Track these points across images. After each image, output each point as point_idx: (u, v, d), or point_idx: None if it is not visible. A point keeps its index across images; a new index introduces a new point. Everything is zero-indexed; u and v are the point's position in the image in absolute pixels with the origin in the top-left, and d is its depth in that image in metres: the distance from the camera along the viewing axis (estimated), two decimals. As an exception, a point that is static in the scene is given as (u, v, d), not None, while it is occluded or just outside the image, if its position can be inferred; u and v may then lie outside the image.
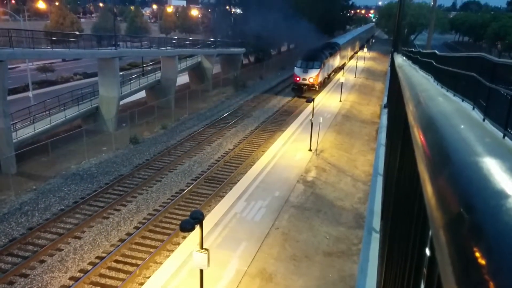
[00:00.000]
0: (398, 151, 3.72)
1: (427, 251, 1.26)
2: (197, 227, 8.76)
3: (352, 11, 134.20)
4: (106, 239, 17.29)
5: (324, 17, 78.13)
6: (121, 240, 17.07)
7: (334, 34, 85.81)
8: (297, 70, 42.79)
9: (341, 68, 53.13)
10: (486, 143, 0.95)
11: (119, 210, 19.62)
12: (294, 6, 70.05)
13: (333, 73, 52.02)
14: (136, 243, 16.95)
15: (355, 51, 74.22)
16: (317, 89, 42.39)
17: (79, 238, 17.30)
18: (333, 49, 50.44)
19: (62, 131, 29.23)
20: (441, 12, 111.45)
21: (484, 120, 7.97)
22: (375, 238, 5.83)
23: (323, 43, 53.52)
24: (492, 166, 0.76)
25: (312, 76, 42.05)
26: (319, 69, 42.42)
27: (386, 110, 14.53)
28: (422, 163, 1.08)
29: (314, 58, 43.29)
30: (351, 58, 68.25)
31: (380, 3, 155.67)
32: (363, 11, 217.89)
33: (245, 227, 15.44)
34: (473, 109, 9.04)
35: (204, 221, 9.07)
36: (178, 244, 15.83)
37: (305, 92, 41.72)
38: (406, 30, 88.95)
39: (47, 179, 23.01)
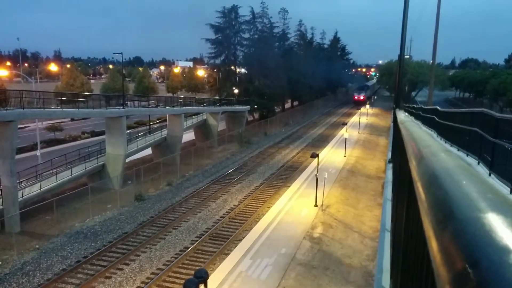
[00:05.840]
0: (404, 206, 3.70)
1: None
2: (201, 287, 8.52)
3: (354, 70, 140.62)
4: (107, 301, 16.76)
5: (327, 75, 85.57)
6: (123, 302, 16.54)
7: (336, 91, 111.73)
8: (355, 94, 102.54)
9: (369, 97, 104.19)
10: (491, 198, 0.95)
11: (122, 269, 19.18)
12: (297, 65, 72.57)
13: (367, 98, 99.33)
14: (138, 305, 16.41)
15: (371, 93, 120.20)
16: (364, 103, 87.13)
17: (80, 299, 16.81)
18: (367, 87, 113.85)
19: (68, 189, 29.28)
20: (440, 69, 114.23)
21: (490, 175, 7.94)
22: (386, 298, 5.61)
23: (363, 84, 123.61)
24: (496, 222, 0.77)
25: (363, 96, 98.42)
26: (365, 93, 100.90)
27: (390, 165, 14.52)
28: (426, 219, 1.08)
29: (362, 89, 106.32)
30: (373, 93, 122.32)
31: (380, 61, 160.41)
32: (364, 70, 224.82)
33: (251, 286, 14.98)
34: (478, 164, 9.02)
35: (208, 280, 8.83)
36: (182, 305, 15.30)
37: (359, 105, 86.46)
38: (407, 87, 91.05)
39: (51, 238, 22.75)
